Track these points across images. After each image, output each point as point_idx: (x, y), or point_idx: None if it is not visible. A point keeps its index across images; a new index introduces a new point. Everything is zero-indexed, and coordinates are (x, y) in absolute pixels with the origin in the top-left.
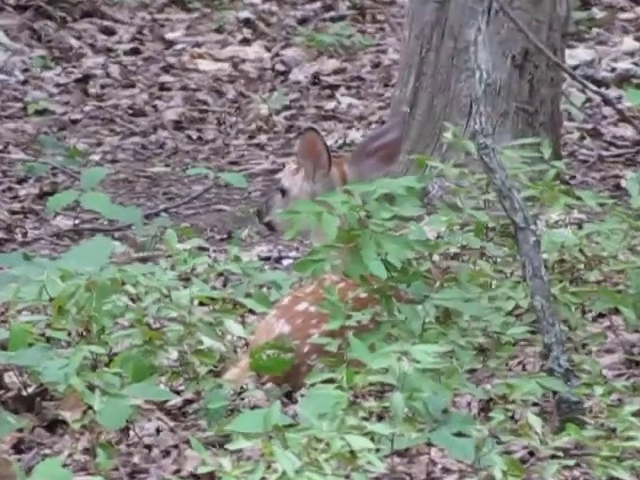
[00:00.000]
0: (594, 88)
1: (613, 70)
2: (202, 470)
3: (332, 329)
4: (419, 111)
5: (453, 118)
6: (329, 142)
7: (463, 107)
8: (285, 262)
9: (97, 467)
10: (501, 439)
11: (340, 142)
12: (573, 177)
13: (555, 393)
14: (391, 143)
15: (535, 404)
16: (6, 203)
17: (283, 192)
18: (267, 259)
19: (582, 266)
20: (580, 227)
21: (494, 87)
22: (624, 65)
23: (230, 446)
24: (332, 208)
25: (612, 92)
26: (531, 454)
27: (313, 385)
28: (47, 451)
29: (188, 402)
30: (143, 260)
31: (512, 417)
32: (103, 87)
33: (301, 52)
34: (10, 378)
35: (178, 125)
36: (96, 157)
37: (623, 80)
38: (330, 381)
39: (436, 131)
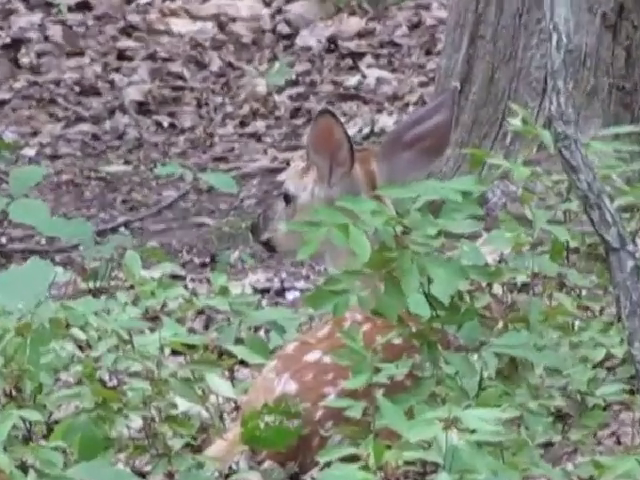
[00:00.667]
0: None
1: None
2: None
3: (355, 387)
4: (474, 88)
5: (521, 97)
6: (351, 131)
7: (534, 82)
8: (290, 295)
9: None
10: None
11: (366, 131)
12: None
13: None
14: (436, 131)
15: None
16: None
17: (287, 199)
18: (265, 291)
19: None
20: None
21: (577, 55)
22: None
23: None
24: (359, 221)
25: None
26: None
27: (328, 464)
28: None
29: None
30: (95, 293)
31: None
32: (40, 56)
33: (312, 7)
34: None
35: (143, 108)
36: (31, 151)
37: None
38: (352, 458)
39: (497, 115)
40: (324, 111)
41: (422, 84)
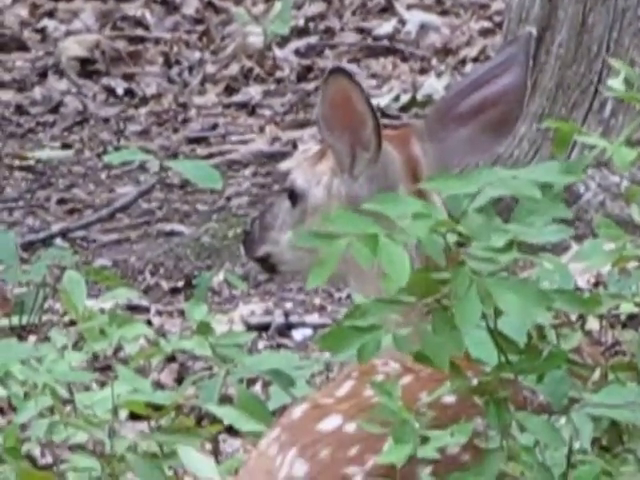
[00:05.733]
0: None
1: None
2: None
3: (391, 463)
4: (559, 37)
5: (625, 50)
6: (385, 99)
7: None
8: (298, 334)
9: None
10: None
11: (406, 98)
12: None
13: None
14: (503, 99)
15: None
16: None
17: (294, 198)
18: (263, 328)
19: None
20: None
21: None
22: None
23: None
24: (394, 227)
25: None
26: None
27: None
28: None
29: None
30: (21, 332)
31: None
32: None
33: None
34: None
35: (88, 68)
36: None
37: None
38: None
39: (592, 76)
40: (335, 70)
41: (484, 32)
